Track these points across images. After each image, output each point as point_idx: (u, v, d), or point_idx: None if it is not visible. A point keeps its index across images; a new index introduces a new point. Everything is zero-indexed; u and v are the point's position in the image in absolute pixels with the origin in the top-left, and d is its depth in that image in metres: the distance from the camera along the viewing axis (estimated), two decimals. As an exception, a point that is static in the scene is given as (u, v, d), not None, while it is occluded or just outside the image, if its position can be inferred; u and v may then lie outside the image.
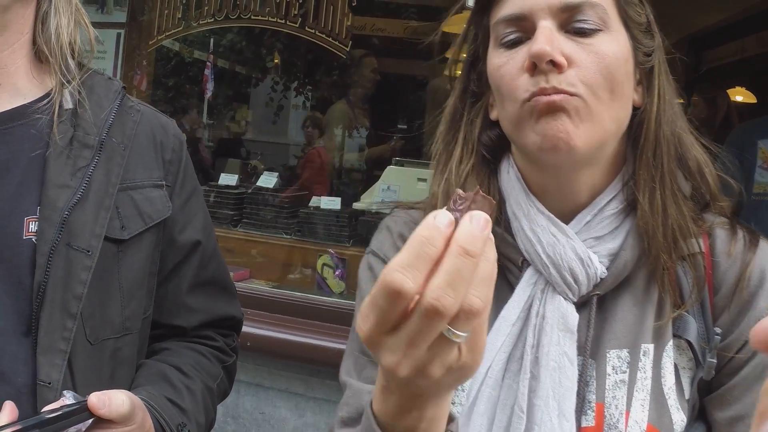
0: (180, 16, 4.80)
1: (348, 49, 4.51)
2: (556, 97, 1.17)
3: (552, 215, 1.28)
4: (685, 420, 1.25)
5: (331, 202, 4.55)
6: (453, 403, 1.29)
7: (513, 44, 1.26)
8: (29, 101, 1.47)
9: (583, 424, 1.24)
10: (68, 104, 1.48)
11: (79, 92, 1.49)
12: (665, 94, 1.31)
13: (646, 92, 1.30)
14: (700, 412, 1.29)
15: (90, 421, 1.23)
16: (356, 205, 4.69)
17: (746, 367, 1.24)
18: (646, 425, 1.22)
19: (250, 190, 4.82)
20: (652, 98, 1.29)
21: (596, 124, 1.20)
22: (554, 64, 1.18)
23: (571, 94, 1.17)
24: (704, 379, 1.25)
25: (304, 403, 3.61)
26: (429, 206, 1.38)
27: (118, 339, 1.49)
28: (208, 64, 5.90)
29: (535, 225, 1.28)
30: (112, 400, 1.24)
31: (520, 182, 1.32)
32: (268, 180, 4.81)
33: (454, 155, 1.37)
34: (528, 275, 1.29)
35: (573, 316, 1.25)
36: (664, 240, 1.24)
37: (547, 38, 1.19)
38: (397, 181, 4.50)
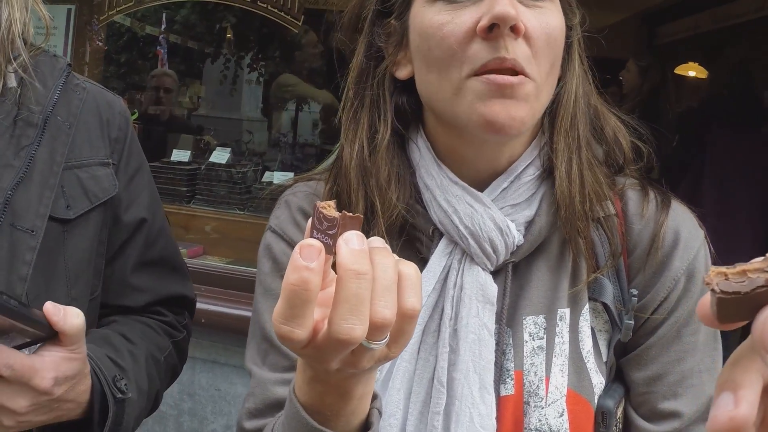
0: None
1: (300, 24, 4.48)
2: (514, 80, 1.12)
3: (466, 184, 1.24)
4: (604, 382, 1.26)
5: (284, 177, 4.52)
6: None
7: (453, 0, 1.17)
8: None
9: (503, 393, 1.22)
10: (12, 83, 1.46)
11: (24, 71, 1.47)
12: (581, 68, 1.31)
13: (566, 65, 1.28)
14: (617, 373, 1.31)
15: (36, 346, 1.20)
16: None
17: (662, 327, 1.25)
18: (566, 390, 1.22)
19: (203, 167, 4.78)
20: (572, 72, 1.28)
21: (540, 104, 1.19)
22: (513, 29, 1.12)
23: (527, 76, 1.14)
24: (621, 341, 1.27)
25: (259, 379, 3.56)
26: (341, 178, 1.31)
27: None
28: (162, 39, 5.84)
29: (450, 195, 1.24)
30: (67, 312, 1.19)
31: (431, 153, 1.28)
32: (220, 156, 4.77)
33: (362, 124, 1.30)
34: (443, 245, 1.26)
35: (492, 287, 1.23)
36: (581, 207, 1.23)
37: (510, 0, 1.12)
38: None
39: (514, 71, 1.13)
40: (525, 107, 1.14)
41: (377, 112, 1.30)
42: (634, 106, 5.09)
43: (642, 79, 5.78)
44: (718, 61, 6.70)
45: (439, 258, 1.25)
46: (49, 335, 1.19)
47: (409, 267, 0.84)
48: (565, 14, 1.25)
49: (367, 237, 1.10)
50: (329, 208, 0.81)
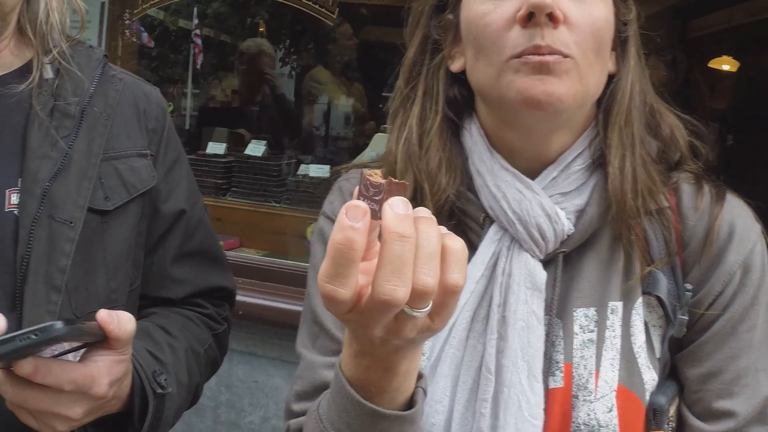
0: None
1: (335, 17, 4.47)
2: (549, 58, 1.14)
3: (517, 171, 1.26)
4: (656, 379, 1.24)
5: (320, 170, 4.52)
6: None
7: None
8: (9, 71, 1.45)
9: (551, 386, 1.22)
10: (48, 74, 1.46)
11: (60, 62, 1.47)
12: (638, 65, 1.30)
13: (621, 61, 1.29)
14: (671, 371, 1.28)
15: (82, 351, 1.20)
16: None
17: (717, 323, 1.23)
18: (616, 385, 1.20)
19: (238, 159, 4.77)
20: (627, 68, 1.28)
21: (582, 86, 1.19)
22: (551, 18, 1.14)
23: (565, 56, 1.15)
24: (675, 337, 1.24)
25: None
26: (387, 164, 1.35)
27: None
28: (197, 33, 5.82)
29: (500, 181, 1.25)
30: (120, 318, 1.19)
31: (484, 139, 1.30)
32: (256, 148, 4.77)
33: (413, 112, 1.33)
34: (492, 232, 1.27)
35: (541, 274, 1.23)
36: (633, 203, 1.22)
37: None
38: (385, 148, 4.45)
39: (552, 53, 1.15)
40: (562, 84, 1.16)
41: (429, 101, 1.32)
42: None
43: (673, 72, 5.71)
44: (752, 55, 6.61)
45: (488, 245, 1.26)
46: (100, 339, 1.19)
47: (456, 242, 0.84)
48: (617, 8, 1.26)
49: None
50: (375, 176, 0.82)
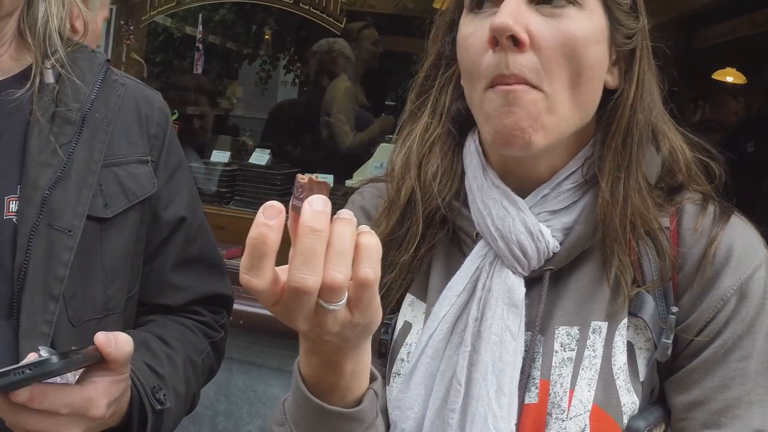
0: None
1: (342, 26, 4.47)
2: (517, 88, 1.12)
3: (507, 189, 1.24)
4: (637, 402, 1.20)
5: (323, 179, 4.49)
6: (398, 374, 1.29)
7: (478, 7, 1.19)
8: (9, 76, 1.44)
9: (527, 401, 1.20)
10: (49, 79, 1.44)
11: (62, 66, 1.45)
12: (644, 80, 1.24)
13: (624, 76, 1.23)
14: (661, 396, 1.25)
15: (80, 371, 1.20)
16: (348, 183, 4.65)
17: (707, 350, 1.18)
18: (591, 405, 1.17)
19: (240, 167, 4.76)
20: (630, 84, 1.22)
21: (556, 116, 1.15)
22: (516, 41, 1.11)
23: (532, 86, 1.12)
24: (659, 361, 1.20)
25: (295, 381, 3.55)
26: (388, 176, 1.37)
27: (101, 320, 1.45)
28: (200, 40, 5.81)
29: (487, 198, 1.25)
30: (117, 340, 1.20)
31: (480, 156, 1.28)
32: (260, 157, 4.76)
33: (420, 123, 1.33)
34: (478, 247, 1.26)
35: (519, 291, 1.21)
36: (620, 230, 1.19)
37: (511, 10, 1.11)
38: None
39: (518, 82, 1.13)
40: (528, 117, 1.13)
41: (435, 113, 1.32)
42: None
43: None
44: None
45: (473, 259, 1.26)
46: (98, 361, 1.20)
47: (370, 238, 0.88)
48: (617, 21, 1.20)
49: (405, 226, 1.30)
50: (304, 179, 0.88)
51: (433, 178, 1.29)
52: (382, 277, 1.26)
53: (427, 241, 1.31)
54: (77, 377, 1.21)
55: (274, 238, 0.82)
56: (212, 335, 1.70)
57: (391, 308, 1.34)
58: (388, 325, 1.33)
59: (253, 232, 0.82)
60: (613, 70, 1.23)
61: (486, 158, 1.28)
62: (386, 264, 1.29)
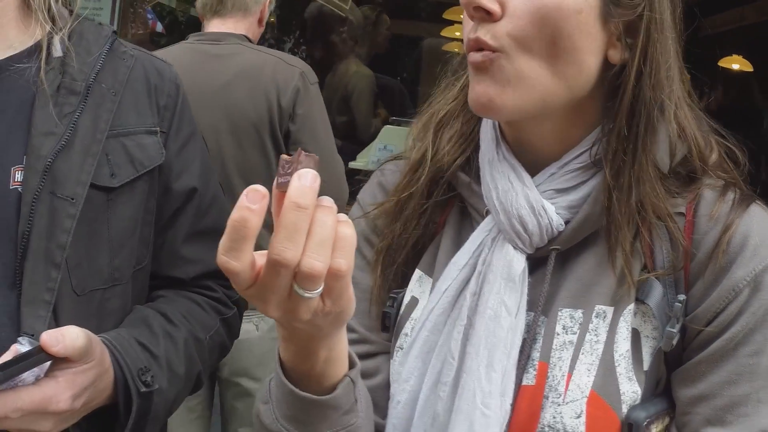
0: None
1: (348, 8, 4.47)
2: (477, 56, 1.11)
3: (516, 163, 1.21)
4: (638, 392, 1.14)
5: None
6: (401, 348, 1.28)
7: None
8: (18, 51, 1.44)
9: (524, 382, 1.17)
10: (57, 52, 1.45)
11: (69, 38, 1.46)
12: (654, 54, 1.14)
13: (633, 50, 1.15)
14: (668, 389, 1.20)
15: (48, 363, 1.20)
16: (352, 164, 4.67)
17: (716, 342, 1.12)
18: (589, 391, 1.13)
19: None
20: (633, 57, 1.14)
21: (527, 84, 1.12)
22: (486, 12, 1.09)
23: (493, 50, 1.10)
24: (665, 351, 1.16)
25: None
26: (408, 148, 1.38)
27: (107, 290, 1.46)
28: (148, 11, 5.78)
29: (496, 171, 1.21)
30: (65, 336, 1.20)
31: (495, 130, 1.25)
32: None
33: (451, 93, 1.33)
34: (485, 223, 1.23)
35: (518, 266, 1.18)
36: (625, 218, 1.15)
37: None
38: (394, 141, 4.51)
39: (479, 48, 1.12)
40: (495, 86, 1.12)
41: (464, 88, 1.29)
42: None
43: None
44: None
45: (478, 234, 1.24)
46: (48, 360, 1.21)
47: (347, 228, 0.88)
48: None
49: (414, 182, 1.30)
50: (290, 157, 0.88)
51: (447, 141, 1.29)
52: (390, 233, 1.32)
53: (431, 203, 1.31)
54: (44, 373, 1.22)
55: (256, 222, 0.82)
56: (224, 311, 1.68)
57: (398, 283, 1.33)
58: (394, 299, 1.32)
59: (235, 214, 0.82)
60: (616, 44, 1.16)
61: (501, 133, 1.26)
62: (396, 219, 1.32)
